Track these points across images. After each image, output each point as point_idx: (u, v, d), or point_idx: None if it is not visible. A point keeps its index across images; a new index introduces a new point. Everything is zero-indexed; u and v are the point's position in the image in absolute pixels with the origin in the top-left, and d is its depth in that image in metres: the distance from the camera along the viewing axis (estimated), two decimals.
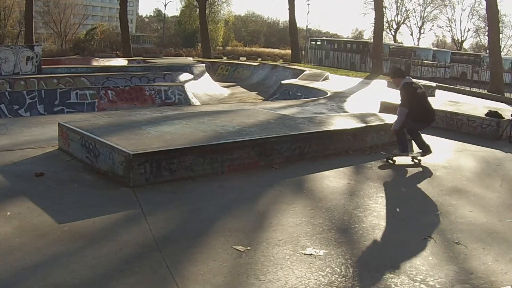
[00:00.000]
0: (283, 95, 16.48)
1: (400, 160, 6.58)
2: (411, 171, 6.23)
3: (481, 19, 55.61)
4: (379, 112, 10.24)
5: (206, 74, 21.22)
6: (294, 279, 3.17)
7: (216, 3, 60.34)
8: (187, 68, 19.80)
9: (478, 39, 61.69)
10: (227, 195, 4.82)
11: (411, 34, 65.15)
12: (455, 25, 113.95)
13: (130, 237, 3.69)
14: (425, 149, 6.63)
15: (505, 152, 7.83)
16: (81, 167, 5.45)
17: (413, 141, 6.89)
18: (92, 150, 5.43)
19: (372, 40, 32.90)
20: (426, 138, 8.54)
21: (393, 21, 61.79)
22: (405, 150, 6.61)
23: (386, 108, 10.75)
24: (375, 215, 4.49)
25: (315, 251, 3.60)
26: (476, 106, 11.88)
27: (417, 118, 6.42)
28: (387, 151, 6.73)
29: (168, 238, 3.73)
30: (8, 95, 12.69)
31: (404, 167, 6.39)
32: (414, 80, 6.76)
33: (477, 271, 3.44)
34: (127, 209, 4.26)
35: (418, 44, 56.51)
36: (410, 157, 6.67)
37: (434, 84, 21.03)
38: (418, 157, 6.68)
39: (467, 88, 22.97)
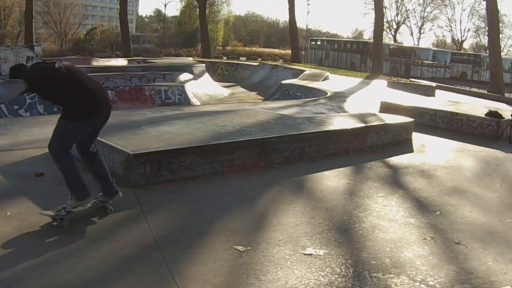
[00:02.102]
0: (283, 95, 16.48)
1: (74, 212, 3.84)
2: (411, 171, 6.23)
3: (481, 19, 55.67)
4: (379, 112, 10.25)
5: (206, 74, 21.22)
6: (294, 279, 3.17)
7: (216, 3, 60.36)
8: (187, 68, 19.79)
9: (478, 39, 61.76)
10: (227, 195, 4.81)
11: (411, 34, 65.31)
12: (455, 25, 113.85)
13: (130, 237, 3.69)
14: (109, 188, 3.96)
15: (505, 152, 7.83)
16: (81, 167, 5.43)
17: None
18: None
19: (372, 40, 32.92)
20: (426, 138, 8.58)
21: (393, 21, 61.86)
22: (83, 194, 3.81)
23: (386, 108, 10.77)
24: (375, 215, 4.49)
25: (315, 251, 3.60)
26: (476, 106, 11.88)
27: (86, 113, 3.65)
28: (388, 152, 6.66)
29: (168, 238, 3.73)
30: None
31: (404, 167, 6.39)
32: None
33: (477, 271, 3.44)
34: (127, 209, 4.26)
35: (418, 44, 56.57)
36: (90, 204, 3.91)
37: (434, 84, 21.09)
38: (108, 200, 4.03)
39: (467, 88, 23.00)
